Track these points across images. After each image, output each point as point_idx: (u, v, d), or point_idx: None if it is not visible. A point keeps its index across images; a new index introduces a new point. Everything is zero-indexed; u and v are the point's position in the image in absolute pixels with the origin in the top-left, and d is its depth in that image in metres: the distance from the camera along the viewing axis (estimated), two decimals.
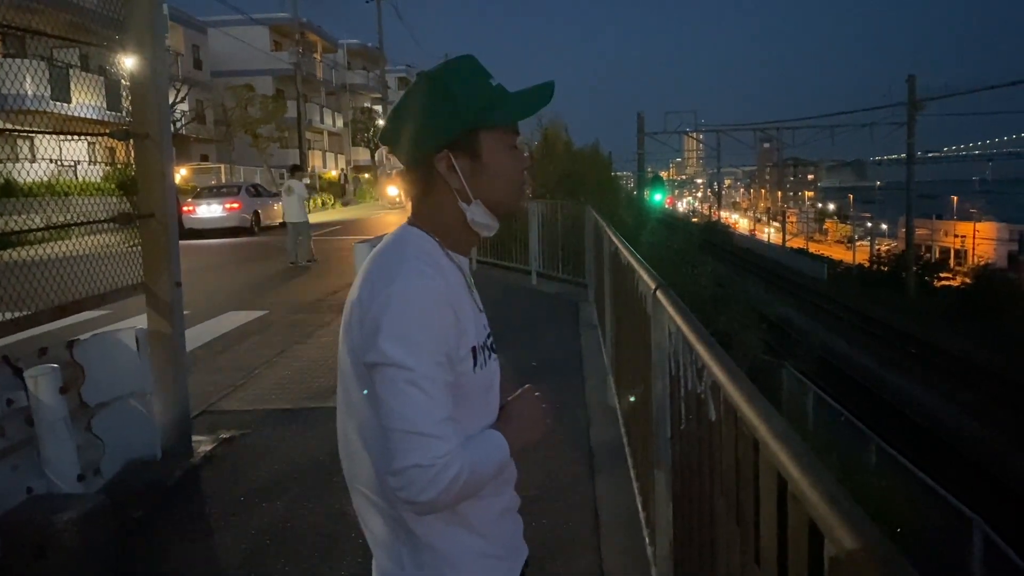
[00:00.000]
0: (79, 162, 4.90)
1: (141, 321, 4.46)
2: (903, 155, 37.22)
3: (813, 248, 70.36)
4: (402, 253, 1.27)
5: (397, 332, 1.17)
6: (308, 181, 18.02)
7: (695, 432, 1.96)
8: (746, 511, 1.40)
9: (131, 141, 4.35)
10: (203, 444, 4.79)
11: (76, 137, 4.24)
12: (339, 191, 43.98)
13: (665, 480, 2.58)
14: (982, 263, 43.88)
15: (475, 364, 1.28)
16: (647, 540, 3.14)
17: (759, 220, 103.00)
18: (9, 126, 4.20)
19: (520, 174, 1.35)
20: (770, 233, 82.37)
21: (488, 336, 1.38)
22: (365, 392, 1.25)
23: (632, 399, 3.68)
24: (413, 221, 1.35)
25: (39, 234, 3.90)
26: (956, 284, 38.22)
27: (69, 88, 13.23)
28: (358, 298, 1.25)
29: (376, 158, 48.40)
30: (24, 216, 3.95)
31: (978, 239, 54.53)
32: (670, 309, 2.30)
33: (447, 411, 1.18)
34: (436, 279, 1.23)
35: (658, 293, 2.59)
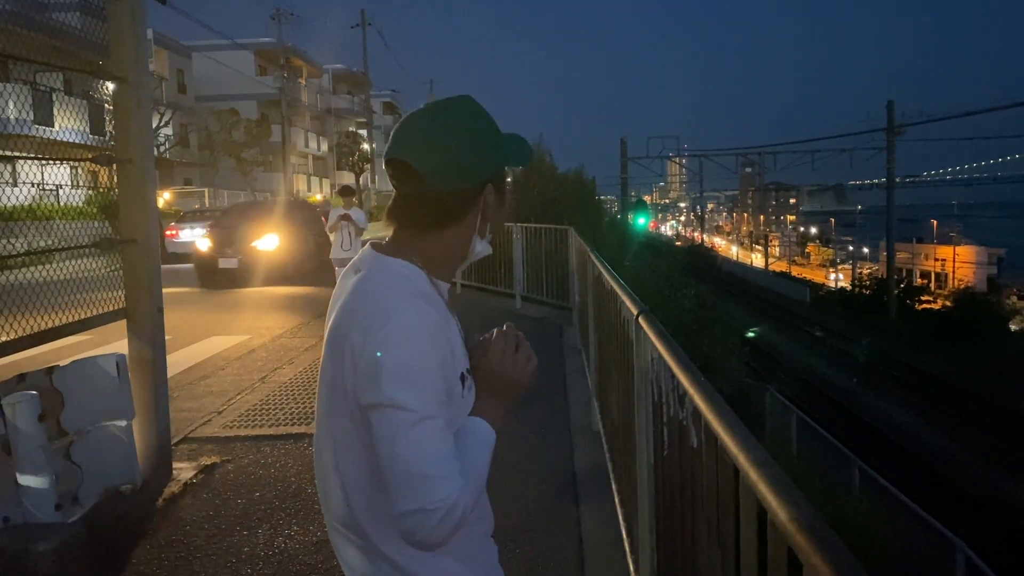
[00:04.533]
0: (61, 186, 4.88)
1: (122, 347, 4.42)
2: (883, 180, 37.65)
3: (795, 272, 70.86)
4: (393, 288, 1.25)
5: (398, 373, 1.16)
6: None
7: (677, 458, 1.96)
8: (727, 537, 1.40)
9: (114, 166, 4.34)
10: (184, 471, 4.74)
11: (59, 162, 4.22)
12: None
13: (649, 506, 2.57)
14: (962, 286, 44.34)
15: (464, 388, 1.28)
16: (631, 566, 3.13)
17: (741, 244, 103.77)
18: None
19: (510, 209, 1.43)
20: (745, 254, 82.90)
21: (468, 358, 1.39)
22: (351, 429, 1.25)
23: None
24: (392, 250, 1.32)
25: (20, 259, 3.87)
26: (937, 307, 38.58)
27: (52, 112, 13.19)
28: (348, 338, 1.22)
29: (361, 182, 48.44)
30: (4, 241, 3.92)
31: (958, 262, 55.16)
32: (652, 336, 2.32)
33: (449, 448, 1.18)
34: (431, 314, 1.22)
35: (641, 319, 2.61)
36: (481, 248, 1.38)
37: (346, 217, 10.03)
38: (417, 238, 1.32)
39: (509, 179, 1.43)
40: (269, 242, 14.77)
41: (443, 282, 1.36)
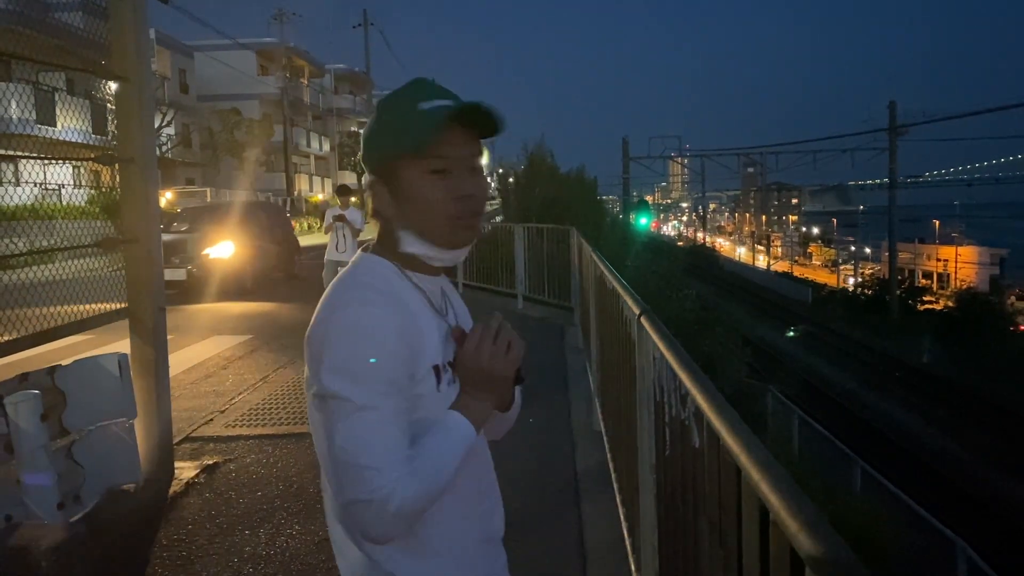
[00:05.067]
0: (63, 186, 4.88)
1: (124, 346, 4.43)
2: (885, 180, 37.61)
3: (797, 272, 70.78)
4: (348, 282, 1.26)
5: (336, 363, 1.16)
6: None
7: (679, 458, 1.96)
8: (729, 537, 1.40)
9: (116, 165, 4.34)
10: (186, 470, 4.75)
11: (61, 161, 4.23)
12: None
13: (651, 506, 2.57)
14: (964, 287, 44.29)
15: (439, 382, 1.25)
16: (633, 567, 3.13)
17: (744, 244, 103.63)
18: None
19: (446, 204, 1.25)
20: (748, 255, 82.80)
21: None
22: (318, 419, 1.23)
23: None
24: (374, 246, 1.33)
25: (22, 258, 3.88)
26: (939, 307, 38.53)
27: (55, 112, 13.21)
28: (308, 329, 1.24)
29: (363, 182, 48.43)
30: (7, 240, 3.92)
31: (960, 263, 55.08)
32: (654, 335, 2.31)
33: (391, 440, 1.16)
34: (379, 306, 1.20)
35: (642, 319, 2.60)
36: (410, 246, 1.28)
37: (341, 218, 9.48)
38: (381, 234, 1.33)
39: (446, 163, 1.24)
40: (224, 249, 13.28)
41: (426, 275, 1.32)
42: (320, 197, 48.90)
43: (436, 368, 1.25)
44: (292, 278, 15.37)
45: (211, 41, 39.80)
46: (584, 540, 3.84)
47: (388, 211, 1.28)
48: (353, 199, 10.31)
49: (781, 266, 76.12)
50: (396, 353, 1.18)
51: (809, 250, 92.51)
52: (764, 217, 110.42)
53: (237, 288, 12.98)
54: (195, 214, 15.50)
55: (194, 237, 13.27)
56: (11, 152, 4.48)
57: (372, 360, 1.16)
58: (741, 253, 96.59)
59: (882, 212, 42.81)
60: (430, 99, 1.24)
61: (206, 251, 13.04)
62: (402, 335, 1.20)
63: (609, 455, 4.43)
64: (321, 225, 9.92)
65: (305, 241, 25.16)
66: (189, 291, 12.58)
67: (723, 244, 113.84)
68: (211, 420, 5.89)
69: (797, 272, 70.22)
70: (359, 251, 1.34)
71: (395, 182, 1.26)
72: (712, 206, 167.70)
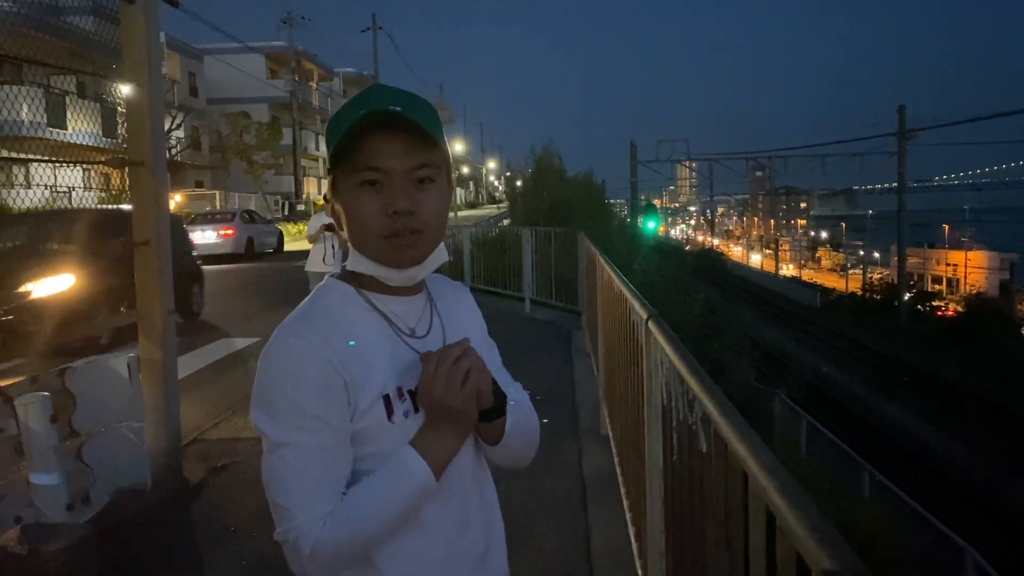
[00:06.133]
0: (74, 188, 4.91)
1: (133, 348, 4.45)
2: (894, 184, 37.48)
3: (806, 276, 70.57)
4: (295, 312, 1.19)
5: (259, 400, 1.13)
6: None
7: (687, 463, 1.96)
8: (736, 542, 1.40)
9: (126, 168, 4.37)
10: (194, 473, 4.76)
11: (72, 164, 4.25)
12: None
13: (658, 511, 2.57)
14: (974, 291, 44.10)
15: (391, 413, 1.15)
16: (640, 572, 3.13)
17: (751, 248, 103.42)
18: (5, 153, 4.21)
19: (378, 219, 1.14)
20: (760, 260, 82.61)
21: None
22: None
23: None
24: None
25: None
26: (949, 312, 38.37)
27: (65, 115, 13.29)
28: None
29: None
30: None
31: (969, 267, 54.86)
32: (662, 340, 2.31)
33: (309, 479, 1.10)
34: (303, 338, 1.12)
35: (650, 323, 2.60)
36: (355, 264, 1.20)
37: (330, 227, 7.87)
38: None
39: (378, 175, 1.13)
40: (58, 284, 8.15)
41: (395, 296, 1.22)
42: (323, 200, 49.01)
43: (386, 398, 1.15)
44: (191, 318, 10.87)
45: (221, 45, 40.00)
46: (591, 545, 3.84)
47: (340, 227, 1.20)
48: None
49: (768, 265, 75.90)
50: (318, 387, 1.10)
51: (818, 254, 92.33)
52: (772, 221, 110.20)
53: (84, 343, 8.02)
54: (33, 226, 9.15)
55: (18, 263, 8.43)
56: (23, 156, 4.51)
57: (293, 392, 1.10)
58: (743, 253, 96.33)
59: (891, 216, 42.67)
60: (370, 105, 1.12)
61: (29, 286, 8.03)
62: (331, 367, 1.11)
63: (616, 459, 4.43)
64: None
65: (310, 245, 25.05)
66: None
67: (737, 252, 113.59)
68: (220, 423, 5.91)
69: (805, 276, 70.01)
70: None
71: (335, 195, 1.19)
72: (720, 210, 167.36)
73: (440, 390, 1.12)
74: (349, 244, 1.20)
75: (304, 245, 9.30)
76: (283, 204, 41.12)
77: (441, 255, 1.24)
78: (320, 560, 1.09)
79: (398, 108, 1.11)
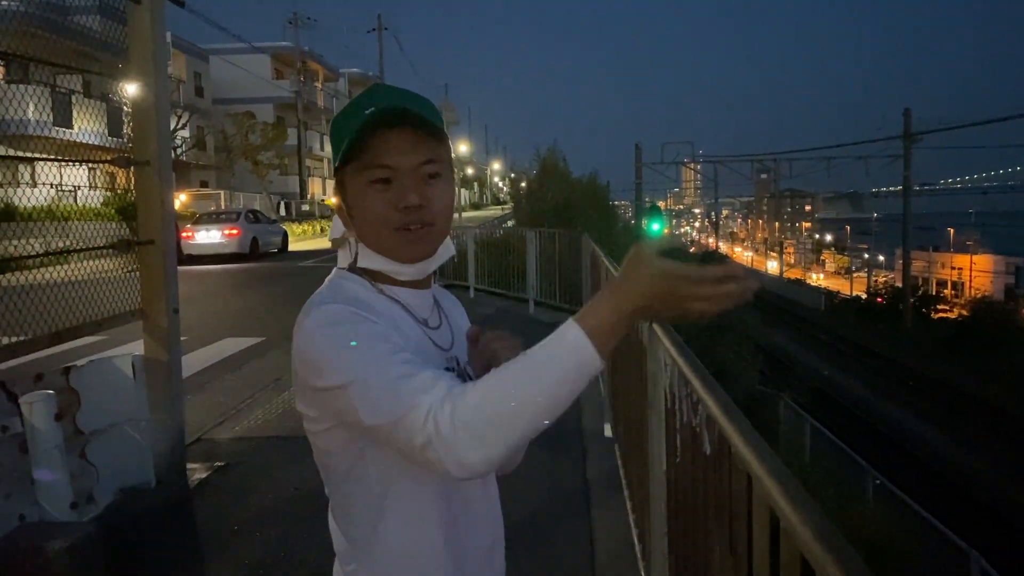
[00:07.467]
0: (79, 187, 4.92)
1: (138, 347, 4.46)
2: (899, 187, 37.40)
3: (814, 281, 70.48)
4: (315, 296, 1.19)
5: (319, 365, 1.09)
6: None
7: (690, 465, 1.96)
8: (740, 545, 1.40)
9: (132, 168, 4.37)
10: (198, 472, 4.77)
11: (77, 163, 4.26)
12: None
13: (661, 513, 2.57)
14: (979, 295, 43.98)
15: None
16: (643, 574, 3.12)
17: (756, 251, 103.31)
18: (11, 152, 4.22)
19: (389, 215, 1.16)
20: (766, 264, 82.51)
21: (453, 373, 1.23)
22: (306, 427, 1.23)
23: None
24: (352, 260, 1.26)
25: (37, 259, 3.91)
26: (954, 316, 38.26)
27: (71, 114, 13.32)
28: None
29: None
30: (23, 241, 3.96)
31: (975, 271, 54.70)
32: (665, 341, 2.31)
33: (416, 365, 1.04)
34: (341, 303, 1.13)
35: (654, 325, 2.60)
36: (366, 260, 1.22)
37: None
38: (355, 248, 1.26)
39: (389, 172, 1.15)
40: None
41: (405, 288, 1.24)
42: (334, 201, 49.05)
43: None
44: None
45: (226, 45, 40.08)
46: (594, 546, 3.84)
47: (348, 224, 1.23)
48: None
49: (794, 273, 75.82)
50: (373, 322, 1.10)
51: (823, 257, 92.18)
52: (777, 224, 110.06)
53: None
54: None
55: None
56: (29, 155, 4.52)
57: (357, 336, 1.07)
58: (750, 257, 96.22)
59: (896, 220, 42.58)
60: (376, 104, 1.14)
61: None
62: (376, 317, 1.12)
63: (620, 461, 4.42)
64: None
65: (316, 244, 25.10)
66: None
67: (745, 256, 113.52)
68: (224, 422, 5.92)
69: (814, 282, 69.92)
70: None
71: (344, 193, 1.21)
72: (725, 212, 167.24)
73: (695, 301, 1.01)
74: (359, 241, 1.22)
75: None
76: (278, 204, 40.60)
77: (448, 248, 1.26)
78: (466, 423, 0.95)
79: (405, 105, 1.13)
